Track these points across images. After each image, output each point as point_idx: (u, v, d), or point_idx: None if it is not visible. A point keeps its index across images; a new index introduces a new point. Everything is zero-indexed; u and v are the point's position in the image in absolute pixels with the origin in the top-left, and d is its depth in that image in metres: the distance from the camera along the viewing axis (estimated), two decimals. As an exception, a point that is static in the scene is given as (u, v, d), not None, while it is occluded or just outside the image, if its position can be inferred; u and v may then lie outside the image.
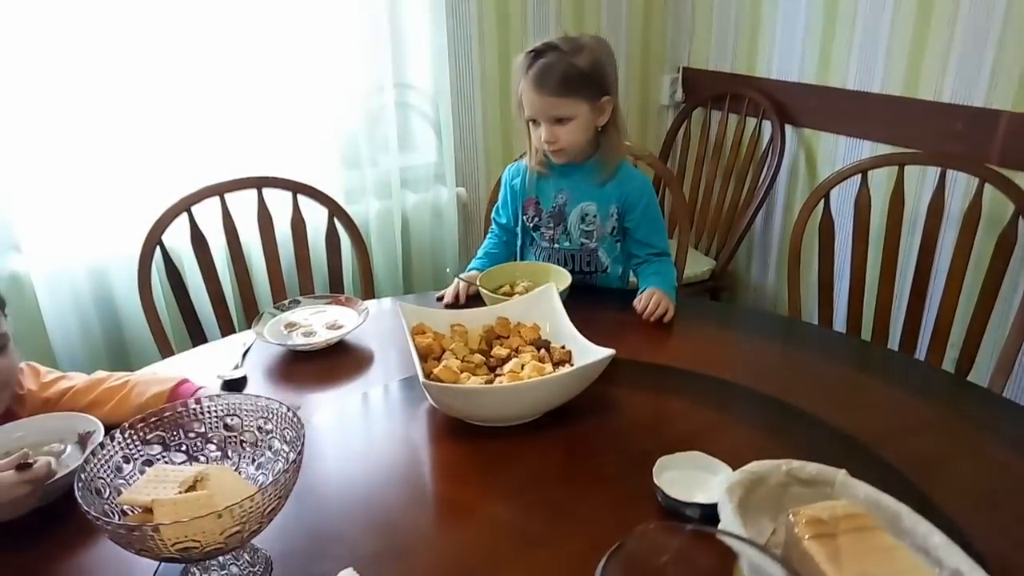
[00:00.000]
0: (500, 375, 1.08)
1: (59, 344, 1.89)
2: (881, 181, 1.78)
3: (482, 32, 2.32)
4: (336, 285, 1.84)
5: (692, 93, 2.66)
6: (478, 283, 1.38)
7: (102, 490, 0.76)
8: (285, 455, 0.80)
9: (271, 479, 0.74)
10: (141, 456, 0.81)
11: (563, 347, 1.14)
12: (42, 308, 1.84)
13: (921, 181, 1.90)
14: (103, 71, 1.82)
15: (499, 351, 1.14)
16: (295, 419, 0.79)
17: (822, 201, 1.64)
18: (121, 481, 0.78)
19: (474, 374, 1.08)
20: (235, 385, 1.19)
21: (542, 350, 1.14)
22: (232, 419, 0.84)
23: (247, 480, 0.82)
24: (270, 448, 0.83)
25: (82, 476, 0.73)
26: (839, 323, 1.78)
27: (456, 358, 1.11)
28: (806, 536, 0.67)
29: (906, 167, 1.62)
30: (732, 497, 0.74)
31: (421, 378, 1.00)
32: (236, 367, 1.22)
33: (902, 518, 0.73)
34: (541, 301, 1.23)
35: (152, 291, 1.63)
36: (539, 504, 0.90)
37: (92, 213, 1.91)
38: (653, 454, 0.91)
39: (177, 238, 1.85)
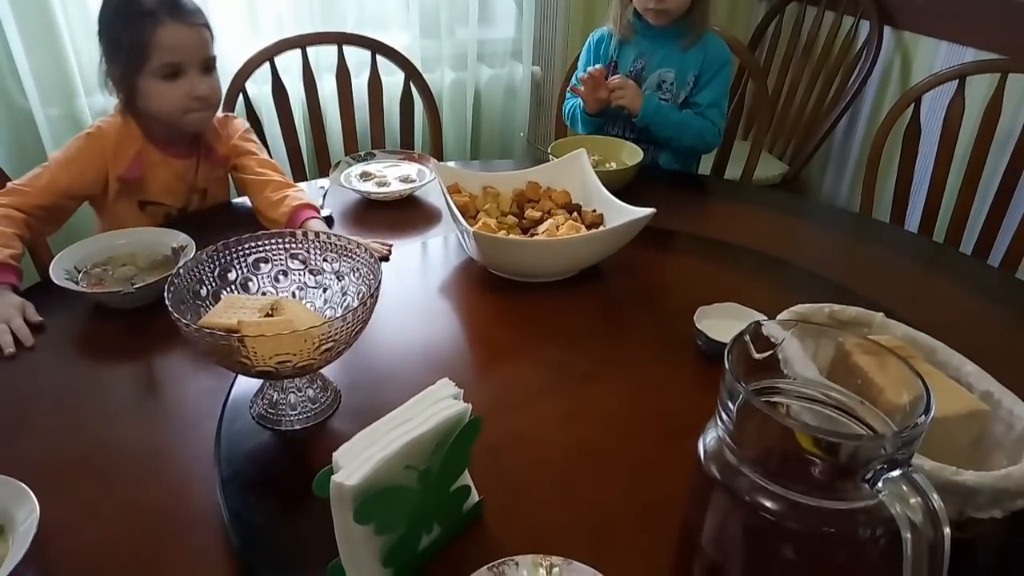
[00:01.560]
0: (536, 235, 1.11)
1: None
2: (980, 90, 1.69)
3: (575, -99, 2.21)
4: (406, 147, 1.87)
5: (788, -14, 2.51)
6: (548, 151, 1.39)
7: (184, 308, 0.77)
8: (356, 288, 0.83)
9: (353, 305, 0.78)
10: (214, 281, 0.82)
11: (594, 210, 1.16)
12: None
13: (1022, 95, 1.79)
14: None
15: (531, 213, 1.16)
16: (370, 257, 0.81)
17: (912, 106, 1.58)
18: (199, 304, 0.79)
19: (508, 232, 1.11)
20: (324, 223, 1.25)
21: (573, 213, 1.17)
22: (298, 254, 0.85)
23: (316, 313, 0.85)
24: (339, 285, 0.85)
25: (172, 287, 0.75)
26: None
27: (491, 217, 1.14)
28: (857, 353, 0.71)
29: (1009, 76, 1.53)
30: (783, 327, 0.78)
31: (468, 228, 1.02)
32: (320, 207, 1.28)
33: (937, 352, 0.78)
34: (571, 166, 1.24)
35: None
36: (584, 347, 0.96)
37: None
38: (691, 308, 0.95)
39: (258, 89, 1.90)
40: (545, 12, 2.34)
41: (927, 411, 0.47)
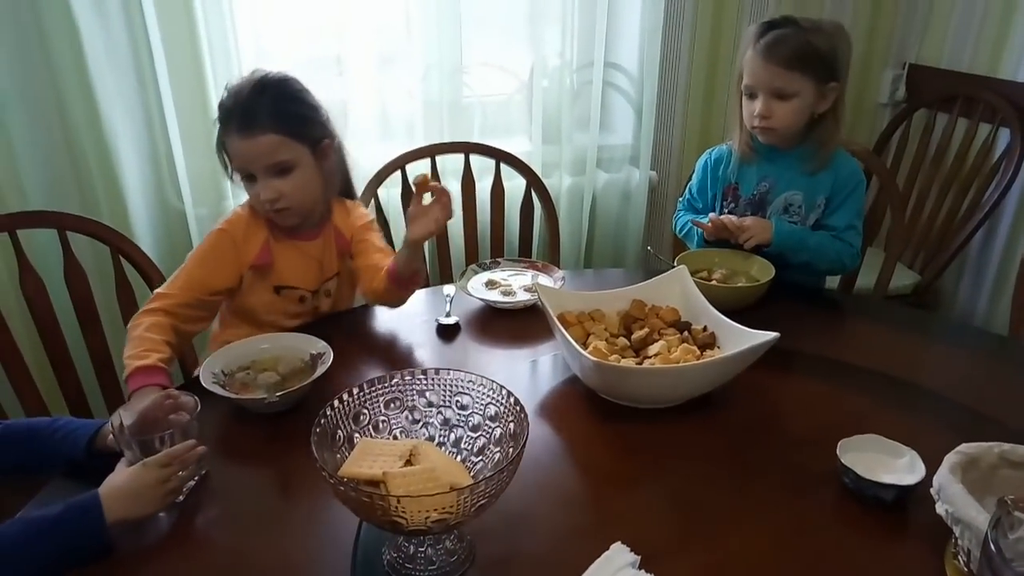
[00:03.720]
0: (648, 357, 1.07)
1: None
2: None
3: (696, 14, 2.27)
4: (524, 252, 1.91)
5: (916, 92, 2.45)
6: (675, 263, 1.37)
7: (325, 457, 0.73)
8: (490, 430, 0.79)
9: (497, 457, 0.76)
10: (348, 424, 0.79)
11: (704, 328, 1.12)
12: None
13: None
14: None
15: (639, 334, 1.12)
16: (506, 396, 0.78)
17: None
18: (335, 451, 0.76)
19: (622, 356, 1.07)
20: (450, 330, 1.28)
21: (684, 332, 1.13)
22: (459, 396, 0.82)
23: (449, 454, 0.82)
24: (468, 424, 0.82)
25: (315, 436, 0.72)
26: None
27: (601, 340, 1.10)
28: None
29: None
30: (956, 478, 0.71)
31: (588, 358, 0.98)
32: (447, 314, 1.30)
33: None
34: (674, 283, 1.21)
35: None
36: (713, 483, 0.90)
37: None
38: (817, 436, 0.89)
39: (387, 193, 2.00)
40: (663, 118, 2.37)
41: None
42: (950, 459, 0.74)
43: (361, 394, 0.79)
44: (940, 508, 0.70)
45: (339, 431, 0.77)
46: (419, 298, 1.44)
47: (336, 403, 0.77)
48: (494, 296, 1.36)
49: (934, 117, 2.33)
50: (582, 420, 1.04)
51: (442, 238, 1.88)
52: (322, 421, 0.74)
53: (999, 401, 1.05)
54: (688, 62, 2.32)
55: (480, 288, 1.39)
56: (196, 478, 0.90)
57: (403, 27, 2.05)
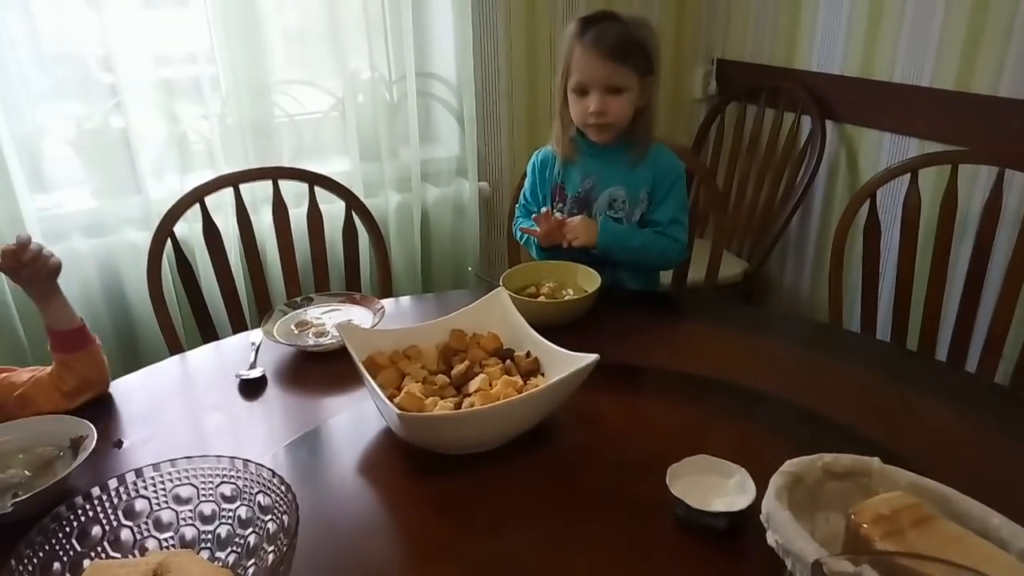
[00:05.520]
0: (468, 395, 0.97)
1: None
2: (930, 181, 1.67)
3: (509, 21, 2.23)
4: (353, 281, 1.77)
5: (726, 86, 2.55)
6: (499, 283, 1.29)
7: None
8: (262, 523, 0.65)
9: (269, 561, 0.62)
10: (69, 549, 0.62)
11: (527, 354, 1.05)
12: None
13: (974, 182, 1.78)
14: (120, 54, 1.76)
15: (459, 368, 1.02)
16: (277, 482, 0.65)
17: (867, 201, 1.54)
18: None
19: (441, 397, 0.96)
20: (254, 384, 1.12)
21: (507, 360, 1.05)
22: (184, 488, 0.69)
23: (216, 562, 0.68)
24: (240, 519, 0.68)
25: None
26: (882, 330, 1.67)
27: (416, 381, 0.99)
28: (877, 537, 0.62)
29: (958, 166, 1.51)
30: (783, 503, 0.67)
31: (393, 410, 0.86)
32: (252, 366, 1.15)
33: (951, 501, 0.70)
34: (493, 307, 1.12)
35: (163, 285, 1.57)
36: (536, 532, 0.81)
37: (104, 202, 1.86)
38: (655, 458, 0.83)
39: (189, 228, 1.80)
40: (487, 127, 2.31)
41: None
42: (776, 481, 0.70)
43: (88, 507, 0.63)
44: (771, 539, 0.65)
45: (56, 562, 0.60)
46: (221, 350, 1.28)
47: (51, 524, 0.60)
48: (305, 339, 1.22)
49: (744, 109, 2.43)
50: (399, 477, 0.91)
51: (258, 274, 1.70)
52: (27, 553, 0.57)
53: (825, 395, 1.04)
54: (507, 67, 2.28)
55: (290, 331, 1.24)
56: None
57: (199, 49, 1.86)
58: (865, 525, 0.62)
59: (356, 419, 1.04)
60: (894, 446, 0.90)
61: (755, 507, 0.74)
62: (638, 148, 1.41)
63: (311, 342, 1.20)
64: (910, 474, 0.73)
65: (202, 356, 1.27)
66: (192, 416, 1.08)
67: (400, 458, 0.95)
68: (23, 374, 1.04)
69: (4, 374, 1.04)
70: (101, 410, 1.05)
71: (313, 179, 1.71)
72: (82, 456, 0.87)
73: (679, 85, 2.60)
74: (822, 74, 2.18)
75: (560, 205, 1.48)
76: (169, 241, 1.57)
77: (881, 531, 0.61)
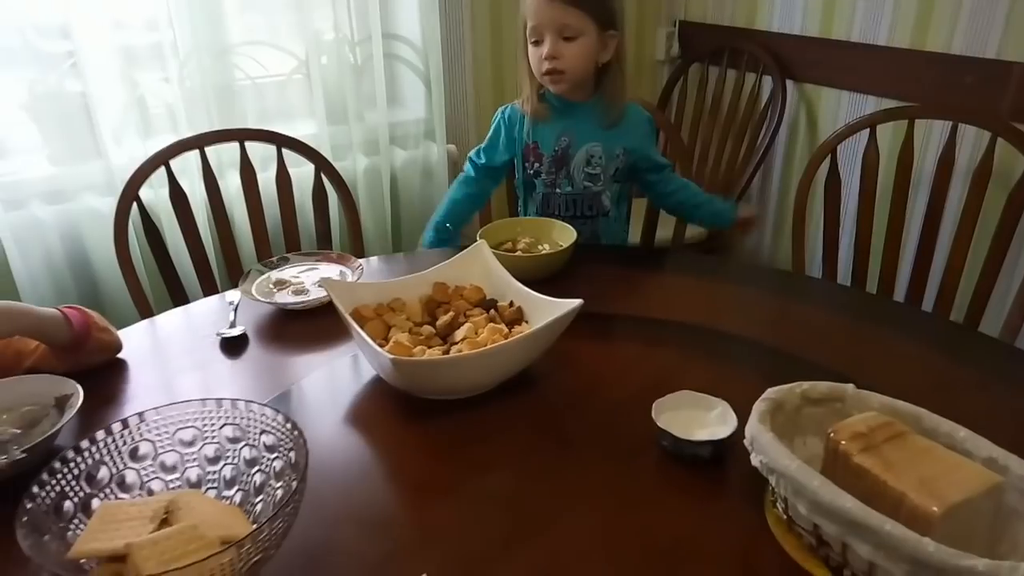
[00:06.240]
0: (455, 343, 0.99)
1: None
2: (887, 136, 1.73)
3: (473, -20, 2.21)
4: (323, 243, 1.76)
5: (689, 48, 2.58)
6: (478, 238, 1.31)
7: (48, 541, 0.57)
8: (268, 462, 0.66)
9: (277, 496, 0.63)
10: (80, 489, 0.63)
11: (510, 304, 1.07)
12: (13, 270, 1.75)
13: (928, 136, 1.85)
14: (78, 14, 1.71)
15: (444, 318, 1.04)
16: (282, 420, 0.65)
17: (828, 156, 1.59)
18: (64, 527, 0.61)
19: (428, 346, 0.98)
20: (235, 343, 1.12)
21: (490, 310, 1.07)
22: (187, 431, 0.69)
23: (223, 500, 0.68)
24: (245, 459, 0.69)
25: (23, 522, 0.56)
26: (843, 280, 1.74)
27: (402, 332, 1.01)
28: (855, 452, 0.67)
29: (914, 121, 1.57)
30: (766, 427, 0.71)
31: (387, 356, 0.87)
32: (231, 325, 1.15)
33: (922, 420, 0.74)
34: (475, 260, 1.15)
35: (130, 250, 1.55)
36: (528, 468, 0.84)
37: (63, 169, 1.81)
38: (636, 398, 0.87)
39: (155, 194, 1.77)
40: (453, 89, 2.30)
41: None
42: (758, 407, 0.74)
43: (94, 449, 0.64)
44: (755, 460, 0.69)
45: (67, 501, 0.61)
46: (199, 310, 1.27)
47: (59, 465, 0.60)
48: (284, 297, 1.22)
49: (707, 70, 2.46)
50: (391, 424, 0.94)
51: (227, 238, 1.69)
52: (39, 492, 0.58)
53: (793, 336, 1.09)
54: (471, 27, 2.27)
55: (268, 290, 1.24)
56: None
57: (156, 12, 1.81)
58: (843, 442, 0.67)
59: (342, 372, 1.05)
60: (862, 378, 0.94)
61: (736, 436, 0.78)
62: (612, 107, 1.43)
63: (291, 299, 1.20)
64: (882, 397, 0.77)
65: (177, 317, 1.25)
66: (175, 375, 1.08)
67: (389, 406, 0.97)
68: (30, 343, 1.02)
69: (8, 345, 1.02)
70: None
71: (282, 141, 1.69)
72: (70, 412, 0.87)
73: (642, 47, 2.62)
74: (782, 34, 2.22)
75: (536, 165, 1.49)
76: (135, 206, 1.55)
77: (858, 446, 0.66)
